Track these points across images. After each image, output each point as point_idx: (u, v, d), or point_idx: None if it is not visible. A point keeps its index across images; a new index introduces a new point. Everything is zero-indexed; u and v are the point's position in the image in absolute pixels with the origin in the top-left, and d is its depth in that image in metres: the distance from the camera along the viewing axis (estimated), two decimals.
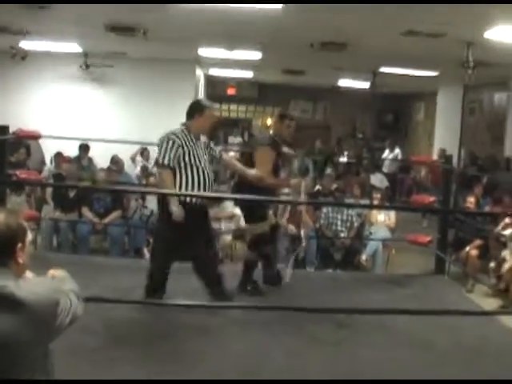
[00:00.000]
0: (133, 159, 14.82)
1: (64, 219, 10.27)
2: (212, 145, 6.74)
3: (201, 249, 6.32)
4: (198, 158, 6.17)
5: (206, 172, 6.22)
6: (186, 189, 6.15)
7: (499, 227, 9.94)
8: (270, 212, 7.37)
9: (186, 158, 6.10)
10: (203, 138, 6.52)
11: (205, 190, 6.23)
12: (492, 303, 9.04)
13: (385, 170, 18.53)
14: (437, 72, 14.21)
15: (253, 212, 7.04)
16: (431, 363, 5.36)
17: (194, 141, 6.25)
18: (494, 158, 15.69)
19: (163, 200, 6.11)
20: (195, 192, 6.19)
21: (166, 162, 6.04)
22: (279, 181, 7.29)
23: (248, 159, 6.99)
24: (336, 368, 5.24)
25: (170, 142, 6.10)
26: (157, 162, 6.17)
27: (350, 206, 11.82)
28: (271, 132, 7.33)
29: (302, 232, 7.03)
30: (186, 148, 6.12)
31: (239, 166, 6.91)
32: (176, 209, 5.96)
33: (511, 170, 13.93)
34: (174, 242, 6.13)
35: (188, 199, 6.08)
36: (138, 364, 5.04)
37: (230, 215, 9.41)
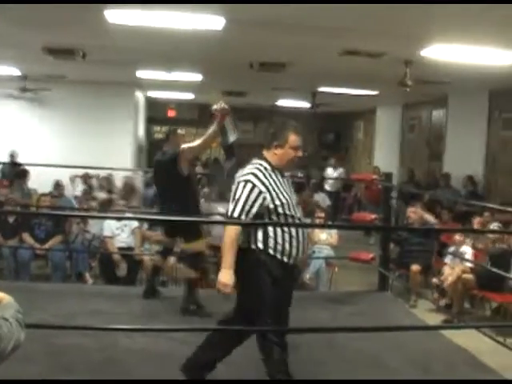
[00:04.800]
0: (72, 180, 14.66)
1: (4, 245, 10.11)
2: None
3: None
4: None
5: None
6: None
7: (452, 247, 10.10)
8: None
9: None
10: None
11: None
12: (436, 318, 9.15)
13: (328, 188, 18.67)
14: (376, 91, 14.37)
15: (189, 231, 7.07)
16: (382, 379, 5.37)
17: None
18: (433, 174, 15.93)
19: None
20: None
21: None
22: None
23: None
24: None
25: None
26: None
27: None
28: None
29: None
30: None
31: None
32: None
33: (450, 187, 14.13)
34: None
35: None
36: None
37: (160, 238, 9.25)
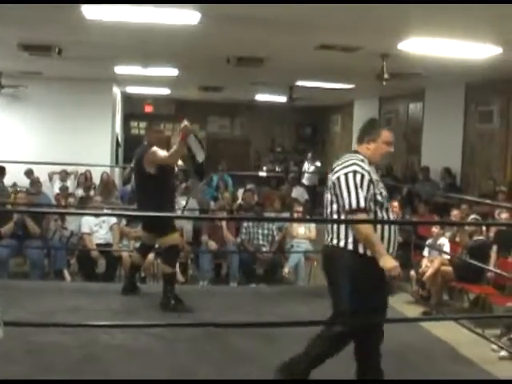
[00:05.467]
0: (50, 177, 14.60)
1: None
2: None
3: None
4: None
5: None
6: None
7: (430, 240, 10.13)
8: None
9: None
10: None
11: None
12: (415, 310, 9.20)
13: (305, 182, 18.65)
14: (353, 84, 14.39)
15: (163, 225, 7.11)
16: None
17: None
18: (411, 167, 15.99)
19: None
20: None
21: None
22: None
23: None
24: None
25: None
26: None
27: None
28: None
29: None
30: None
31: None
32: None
33: (429, 180, 14.17)
34: None
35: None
36: None
37: (139, 235, 9.19)
